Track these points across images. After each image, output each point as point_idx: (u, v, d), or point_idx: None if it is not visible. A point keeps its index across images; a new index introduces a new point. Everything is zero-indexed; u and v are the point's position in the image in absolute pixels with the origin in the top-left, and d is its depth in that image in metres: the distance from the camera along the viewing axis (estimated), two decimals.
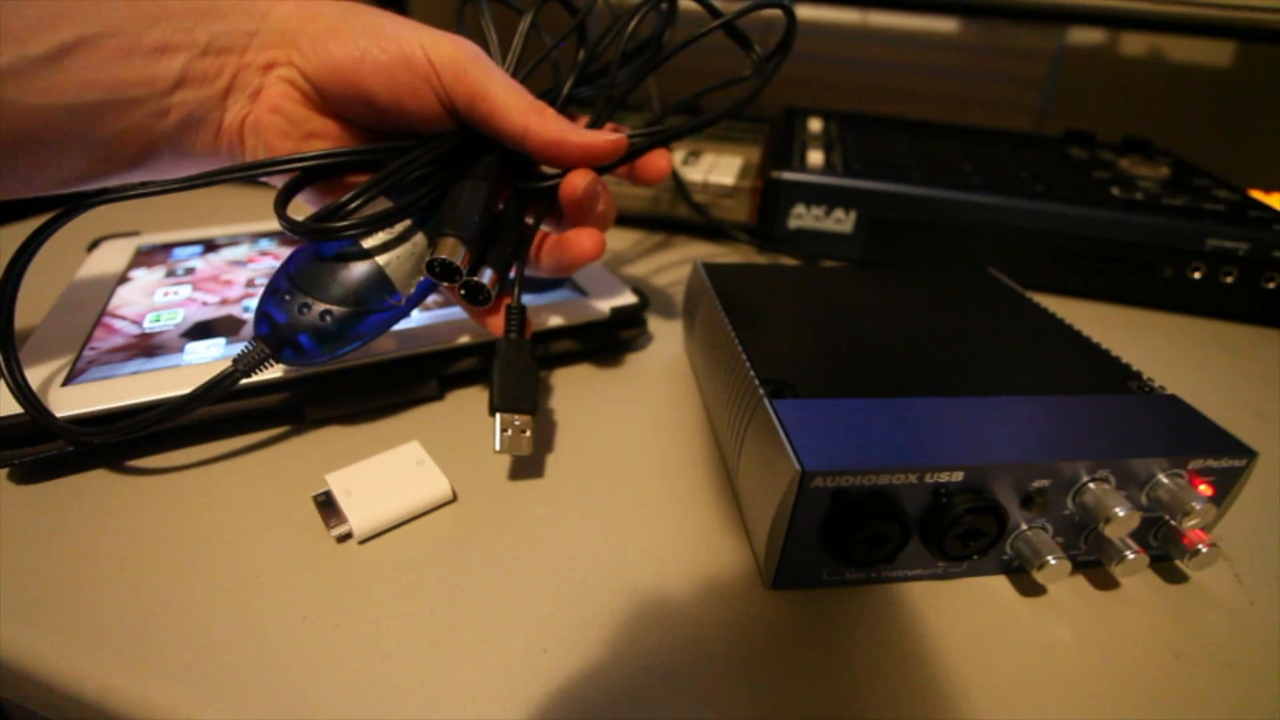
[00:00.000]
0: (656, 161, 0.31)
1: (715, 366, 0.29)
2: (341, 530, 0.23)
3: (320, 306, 0.25)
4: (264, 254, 0.39)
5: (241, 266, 0.37)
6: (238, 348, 0.30)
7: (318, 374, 0.29)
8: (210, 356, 0.29)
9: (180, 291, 0.35)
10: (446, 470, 0.26)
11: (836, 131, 0.57)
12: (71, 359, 0.29)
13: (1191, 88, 0.68)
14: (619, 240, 0.51)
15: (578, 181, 0.28)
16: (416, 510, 0.25)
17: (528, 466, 0.27)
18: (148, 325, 0.32)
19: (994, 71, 0.72)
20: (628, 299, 0.35)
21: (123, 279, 0.36)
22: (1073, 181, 0.48)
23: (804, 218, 0.47)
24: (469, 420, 0.30)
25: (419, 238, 0.27)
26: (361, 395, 0.29)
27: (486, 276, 0.27)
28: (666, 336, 0.37)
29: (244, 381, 0.26)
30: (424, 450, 0.26)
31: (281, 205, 0.25)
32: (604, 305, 0.34)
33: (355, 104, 0.26)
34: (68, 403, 0.26)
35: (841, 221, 0.47)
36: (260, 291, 0.35)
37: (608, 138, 0.27)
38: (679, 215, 0.50)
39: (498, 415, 0.26)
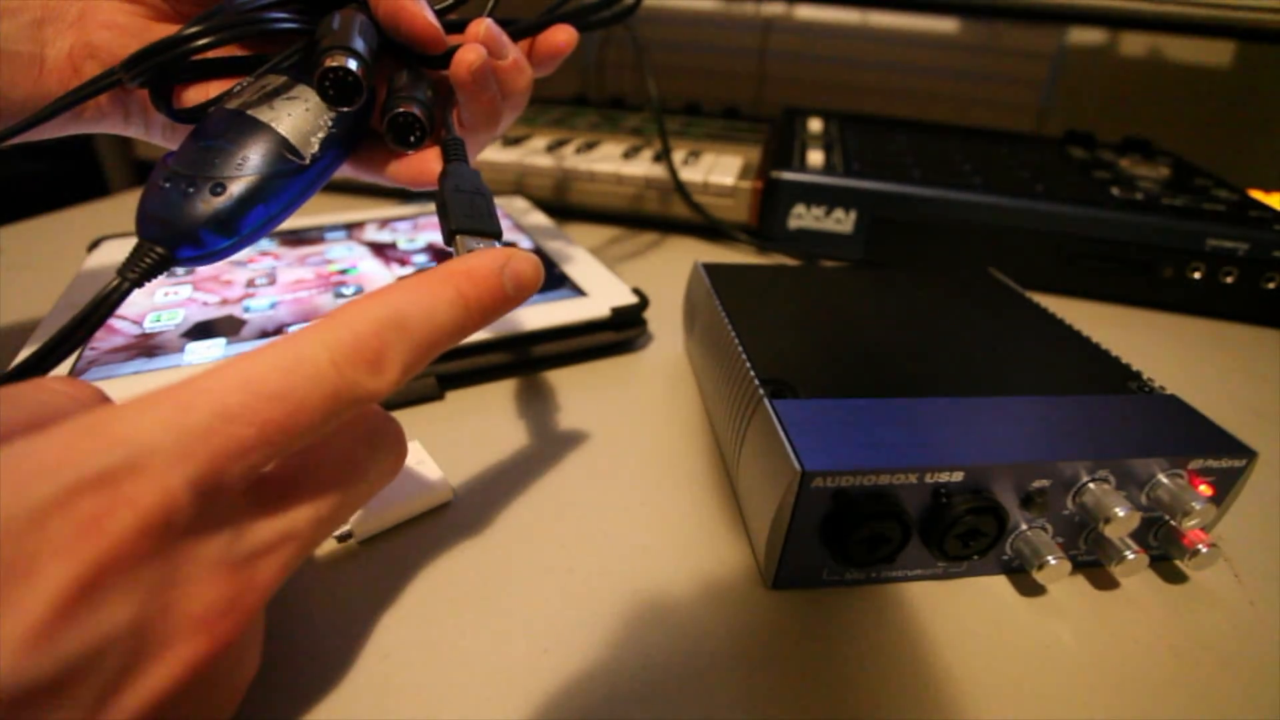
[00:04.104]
0: (554, 36, 0.28)
1: (715, 366, 0.29)
2: (341, 530, 0.23)
3: (209, 182, 0.21)
4: (264, 254, 0.39)
5: (241, 266, 0.37)
6: (239, 347, 0.30)
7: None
8: (211, 356, 0.29)
9: (180, 291, 0.35)
10: (447, 470, 0.26)
11: (836, 131, 0.57)
12: (72, 359, 0.29)
13: (1191, 88, 0.68)
14: (619, 240, 0.51)
15: (468, 58, 0.25)
16: (417, 510, 0.25)
17: (528, 467, 0.27)
18: (148, 325, 0.32)
19: (994, 71, 0.72)
20: (628, 299, 0.35)
21: None
22: (1073, 181, 0.48)
23: (804, 218, 0.47)
24: (469, 420, 0.30)
25: (306, 91, 0.24)
26: None
27: (417, 109, 0.25)
28: (666, 336, 0.37)
29: None
30: (424, 450, 0.26)
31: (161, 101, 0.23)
32: (604, 305, 0.34)
33: None
34: None
35: (841, 221, 0.47)
36: (260, 291, 0.35)
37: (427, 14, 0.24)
38: (679, 215, 0.50)
39: (457, 238, 0.22)
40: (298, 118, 0.23)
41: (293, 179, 0.23)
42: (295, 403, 0.14)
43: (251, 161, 0.22)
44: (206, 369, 0.14)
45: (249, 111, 0.23)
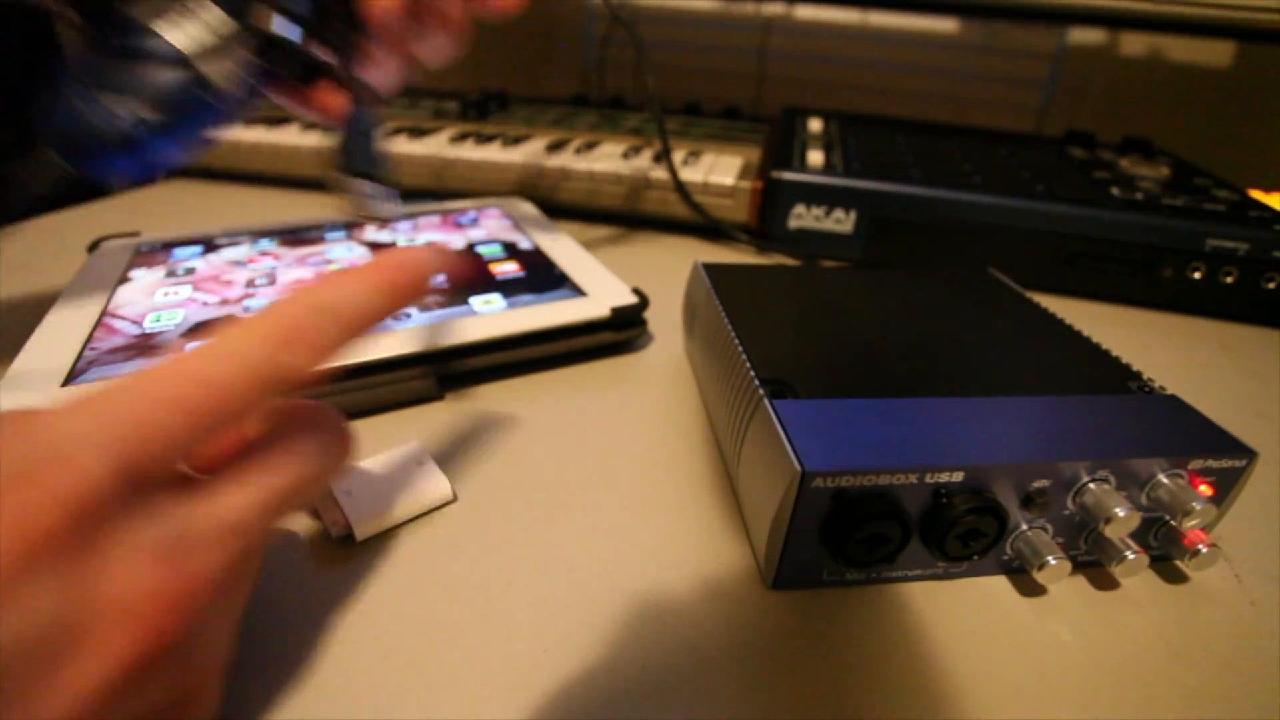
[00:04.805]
0: None
1: (715, 367, 0.29)
2: (341, 530, 0.23)
3: (120, 109, 0.20)
4: (264, 254, 0.39)
5: (241, 266, 0.37)
6: None
7: (315, 374, 0.28)
8: None
9: (180, 292, 0.35)
10: (447, 470, 0.26)
11: (836, 131, 0.57)
12: (72, 359, 0.29)
13: (1191, 88, 0.68)
14: (619, 240, 0.51)
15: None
16: (417, 510, 0.25)
17: (528, 467, 0.27)
18: (148, 325, 0.32)
19: (994, 71, 0.72)
20: (628, 299, 0.35)
21: (123, 279, 0.36)
22: (1073, 181, 0.48)
23: (804, 218, 0.47)
24: (469, 420, 0.30)
25: (222, 18, 0.22)
26: (359, 395, 0.29)
27: (330, 52, 0.25)
28: (666, 336, 0.37)
29: None
30: (424, 450, 0.26)
31: None
32: (604, 305, 0.34)
33: None
34: None
35: (841, 221, 0.47)
36: (260, 291, 0.35)
37: None
38: (679, 215, 0.50)
39: (344, 177, 0.24)
40: (216, 46, 0.22)
41: (207, 109, 0.22)
42: (217, 384, 0.15)
43: (162, 95, 0.21)
44: (135, 369, 0.14)
45: (170, 38, 0.21)
